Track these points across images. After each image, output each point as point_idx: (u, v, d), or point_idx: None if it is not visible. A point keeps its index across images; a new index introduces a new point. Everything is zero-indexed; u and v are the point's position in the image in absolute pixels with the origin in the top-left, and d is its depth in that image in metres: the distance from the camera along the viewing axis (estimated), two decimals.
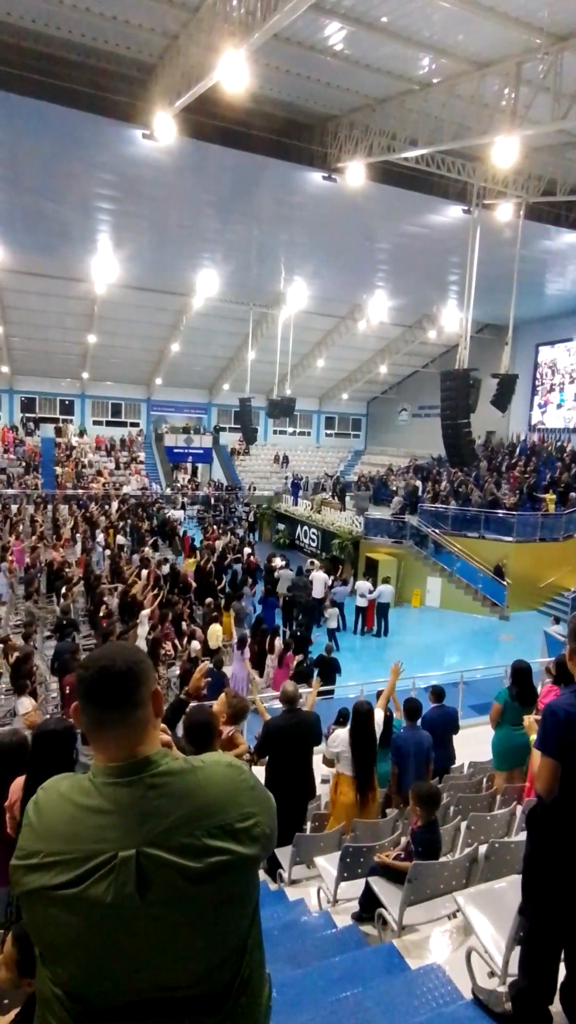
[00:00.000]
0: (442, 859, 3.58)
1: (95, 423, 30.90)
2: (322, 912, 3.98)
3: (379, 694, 5.84)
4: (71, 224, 16.65)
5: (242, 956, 1.18)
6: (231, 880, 1.14)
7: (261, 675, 11.39)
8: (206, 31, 9.20)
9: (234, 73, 8.68)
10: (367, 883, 3.64)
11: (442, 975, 2.83)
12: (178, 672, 10.07)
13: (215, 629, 11.67)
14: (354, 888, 3.90)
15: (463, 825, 4.26)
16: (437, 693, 6.35)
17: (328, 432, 36.53)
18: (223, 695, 3.72)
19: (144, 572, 13.80)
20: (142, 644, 10.47)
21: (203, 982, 1.13)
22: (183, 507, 26.34)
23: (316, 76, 11.19)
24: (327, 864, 4.12)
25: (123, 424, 31.43)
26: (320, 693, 9.78)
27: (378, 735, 4.94)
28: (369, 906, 3.64)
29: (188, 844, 1.11)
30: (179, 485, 29.45)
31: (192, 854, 1.10)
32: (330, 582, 15.35)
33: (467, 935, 3.13)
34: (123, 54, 10.83)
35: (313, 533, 21.67)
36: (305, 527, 22.46)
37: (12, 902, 2.43)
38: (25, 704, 8.60)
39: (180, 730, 3.00)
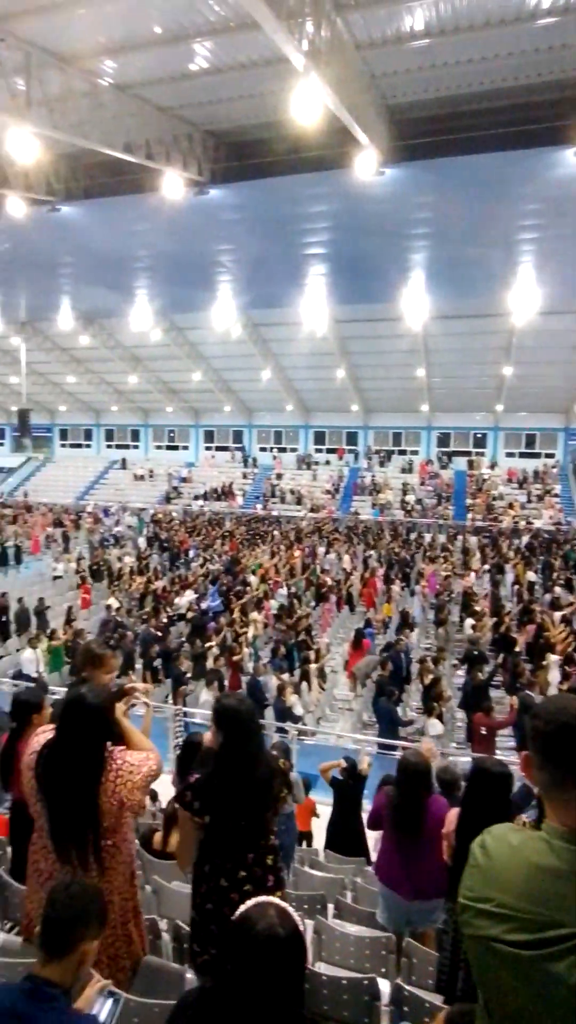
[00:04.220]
0: None
1: (507, 455, 30.64)
2: None
3: None
4: (491, 263, 17.08)
5: None
6: None
7: None
8: None
9: None
10: None
11: None
12: None
13: None
14: None
15: None
16: None
17: None
18: None
19: (557, 615, 12.84)
20: (554, 689, 9.71)
21: None
22: None
23: None
24: None
25: (537, 455, 30.25)
26: None
27: None
28: None
29: None
30: None
31: None
32: None
33: None
34: (542, 81, 10.61)
35: None
36: None
37: (448, 930, 2.48)
38: (436, 726, 8.98)
39: None
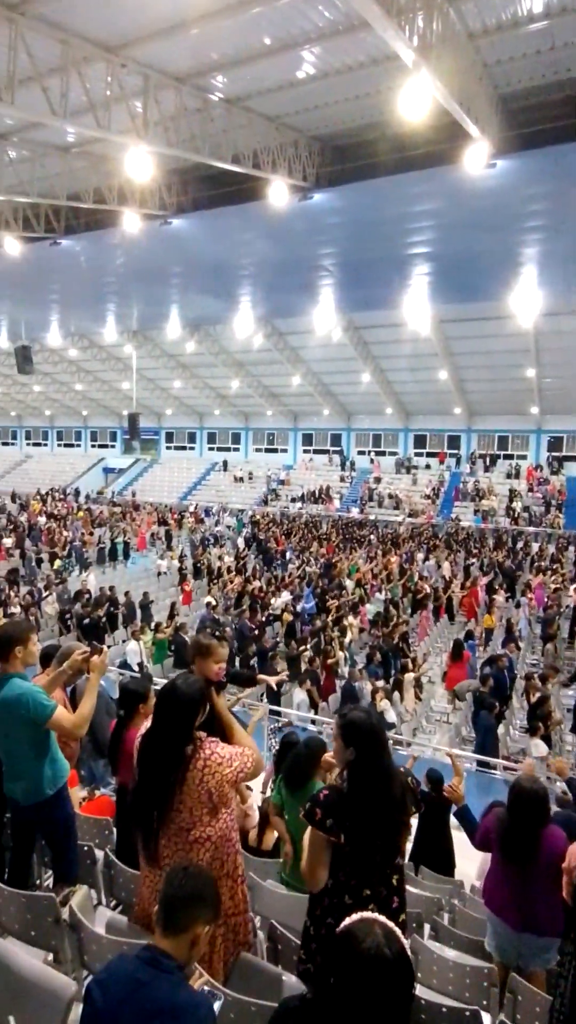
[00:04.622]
0: None
1: None
2: None
3: None
4: None
5: None
6: None
7: None
8: None
9: None
10: None
11: None
12: None
13: None
14: None
15: None
16: None
17: None
18: None
19: None
20: None
21: None
22: None
23: None
24: None
25: None
26: None
27: None
28: None
29: None
30: None
31: None
32: None
33: None
34: None
35: None
36: None
37: (567, 975, 2.29)
38: (540, 747, 8.46)
39: None
